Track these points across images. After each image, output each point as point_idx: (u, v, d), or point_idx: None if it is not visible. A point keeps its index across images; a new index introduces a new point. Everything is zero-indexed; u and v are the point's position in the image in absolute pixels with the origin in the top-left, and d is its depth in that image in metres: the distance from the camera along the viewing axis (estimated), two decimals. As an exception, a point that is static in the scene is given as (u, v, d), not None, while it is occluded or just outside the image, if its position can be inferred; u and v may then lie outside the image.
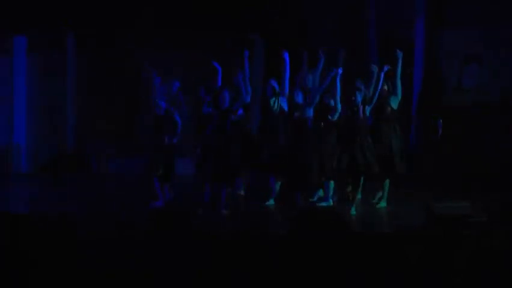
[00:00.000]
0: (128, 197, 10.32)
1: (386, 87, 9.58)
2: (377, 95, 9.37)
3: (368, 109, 9.30)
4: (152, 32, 13.34)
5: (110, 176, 12.90)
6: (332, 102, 9.49)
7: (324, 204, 9.71)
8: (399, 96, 9.60)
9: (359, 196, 9.74)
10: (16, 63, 13.03)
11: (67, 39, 13.63)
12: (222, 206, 9.34)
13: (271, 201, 9.96)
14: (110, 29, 13.28)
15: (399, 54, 9.48)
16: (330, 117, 9.57)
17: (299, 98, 9.57)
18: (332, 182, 9.77)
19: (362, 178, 9.42)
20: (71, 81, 13.77)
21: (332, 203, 9.65)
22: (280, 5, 13.30)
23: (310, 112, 9.55)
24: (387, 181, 9.74)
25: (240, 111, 9.96)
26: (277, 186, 10.00)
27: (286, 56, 9.83)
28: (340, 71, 9.36)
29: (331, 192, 9.75)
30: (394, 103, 9.60)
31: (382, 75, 9.35)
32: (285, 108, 9.87)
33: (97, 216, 9.19)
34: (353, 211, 9.35)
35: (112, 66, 13.62)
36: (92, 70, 13.66)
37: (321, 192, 9.96)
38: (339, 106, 9.44)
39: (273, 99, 9.90)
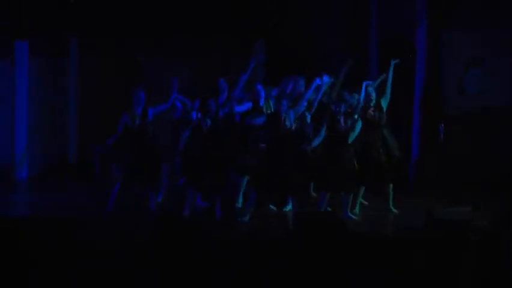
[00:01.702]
0: (131, 201, 10.31)
1: (369, 96, 9.65)
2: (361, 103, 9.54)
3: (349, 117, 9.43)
4: (155, 37, 13.35)
5: (113, 180, 12.85)
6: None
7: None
8: (388, 98, 9.74)
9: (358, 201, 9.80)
10: (18, 67, 13.01)
11: (69, 43, 13.65)
12: (218, 210, 9.42)
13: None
14: (113, 34, 13.29)
15: (393, 62, 9.81)
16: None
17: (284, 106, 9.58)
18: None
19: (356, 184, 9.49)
20: (73, 85, 13.78)
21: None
22: (282, 8, 13.31)
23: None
24: (390, 186, 9.79)
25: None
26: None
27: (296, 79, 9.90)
28: (326, 79, 9.46)
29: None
30: (384, 105, 9.72)
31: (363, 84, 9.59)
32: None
33: (99, 221, 9.21)
34: (351, 215, 9.41)
35: (114, 71, 13.61)
36: (95, 74, 13.66)
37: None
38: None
39: (263, 103, 9.94)
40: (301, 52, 13.08)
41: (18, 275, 6.21)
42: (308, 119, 9.61)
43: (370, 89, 9.70)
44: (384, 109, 9.73)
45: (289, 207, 9.86)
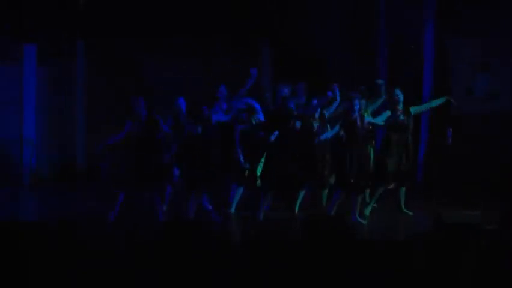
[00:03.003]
0: (137, 206, 10.31)
1: (396, 97, 9.56)
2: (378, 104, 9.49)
3: (368, 118, 9.35)
4: (162, 41, 13.38)
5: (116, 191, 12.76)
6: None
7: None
8: (420, 110, 9.71)
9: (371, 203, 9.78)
10: (26, 71, 13.05)
11: (76, 48, 13.67)
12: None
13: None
14: (120, 38, 13.32)
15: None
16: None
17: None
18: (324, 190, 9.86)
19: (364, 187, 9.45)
20: (81, 89, 13.80)
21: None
22: (288, 13, 13.33)
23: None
24: (403, 189, 9.75)
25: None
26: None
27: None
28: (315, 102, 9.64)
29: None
30: (413, 111, 9.66)
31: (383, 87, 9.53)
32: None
33: (104, 226, 9.23)
34: (359, 219, 9.39)
35: (121, 75, 13.63)
36: (102, 79, 13.68)
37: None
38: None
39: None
40: (305, 54, 13.11)
41: (23, 279, 6.21)
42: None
43: (397, 90, 9.61)
44: (412, 115, 9.64)
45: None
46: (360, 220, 9.39)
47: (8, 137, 13.09)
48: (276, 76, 13.61)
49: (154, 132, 9.58)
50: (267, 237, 8.70)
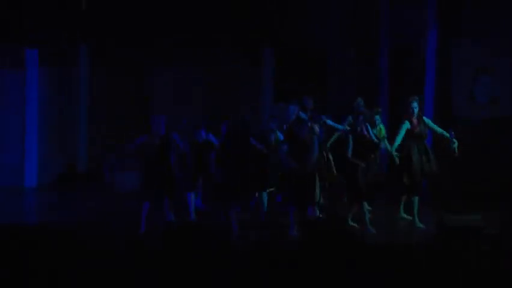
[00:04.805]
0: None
1: (411, 109, 9.60)
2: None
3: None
4: (163, 42, 13.40)
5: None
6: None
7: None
8: (433, 128, 9.75)
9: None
10: (28, 76, 13.04)
11: (79, 52, 13.67)
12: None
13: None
14: (122, 40, 13.33)
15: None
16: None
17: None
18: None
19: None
20: (83, 93, 13.80)
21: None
22: (288, 13, 13.34)
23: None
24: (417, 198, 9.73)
25: None
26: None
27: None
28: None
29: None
30: (427, 121, 9.75)
31: None
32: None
33: (106, 230, 9.24)
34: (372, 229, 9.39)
35: (123, 79, 13.64)
36: (104, 81, 13.69)
37: None
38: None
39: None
40: (305, 54, 13.13)
41: (23, 280, 6.23)
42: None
43: (414, 103, 9.61)
44: (427, 124, 9.70)
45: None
46: (372, 230, 9.35)
47: (11, 139, 13.09)
48: (276, 76, 13.65)
49: (169, 150, 9.42)
50: (268, 238, 8.76)
